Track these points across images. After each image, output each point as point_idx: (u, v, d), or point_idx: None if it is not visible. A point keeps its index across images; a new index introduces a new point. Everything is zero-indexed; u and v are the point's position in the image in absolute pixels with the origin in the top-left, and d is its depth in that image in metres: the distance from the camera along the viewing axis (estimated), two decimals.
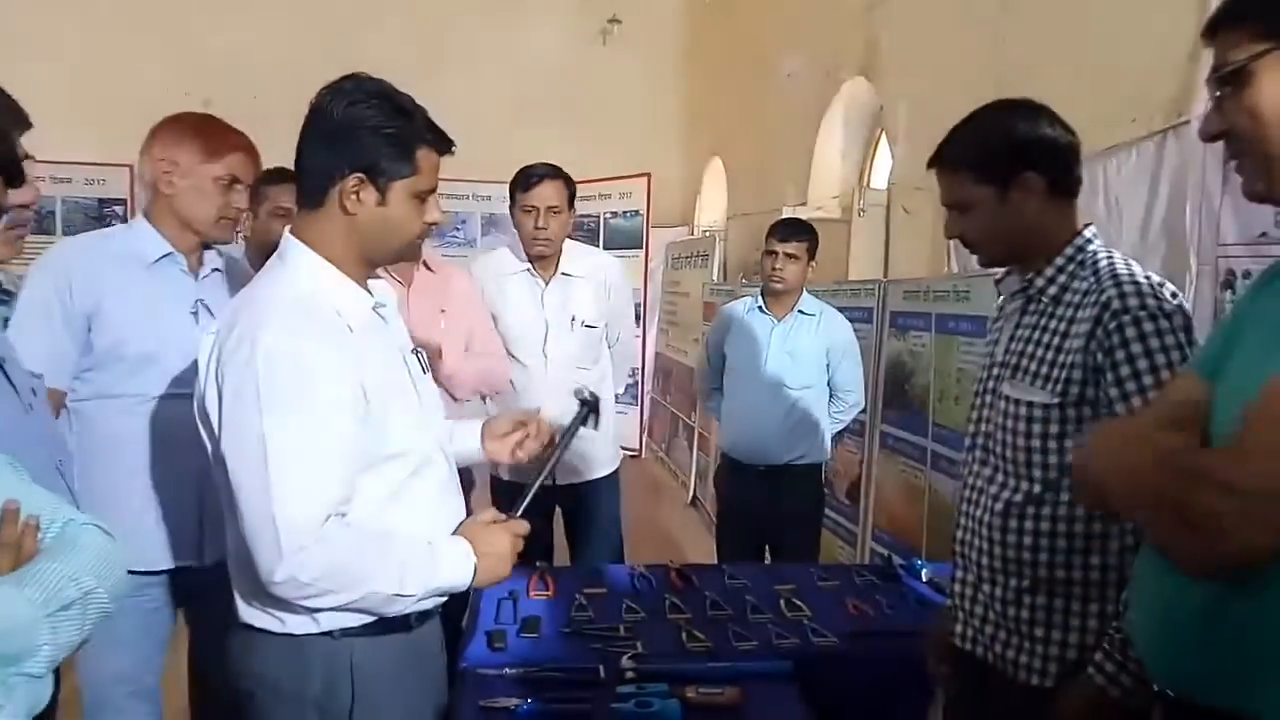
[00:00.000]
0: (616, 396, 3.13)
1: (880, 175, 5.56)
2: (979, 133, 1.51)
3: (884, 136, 5.29)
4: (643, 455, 7.29)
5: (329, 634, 1.40)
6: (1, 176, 0.91)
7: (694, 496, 5.91)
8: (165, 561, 1.90)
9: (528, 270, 2.82)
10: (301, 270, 1.41)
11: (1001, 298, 1.65)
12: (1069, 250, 1.49)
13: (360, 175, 1.38)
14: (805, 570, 2.45)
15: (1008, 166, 1.46)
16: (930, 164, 1.56)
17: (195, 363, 1.38)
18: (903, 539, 3.32)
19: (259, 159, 2.01)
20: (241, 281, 2.08)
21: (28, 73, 6.45)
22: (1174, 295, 1.39)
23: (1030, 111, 1.50)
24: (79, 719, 1.90)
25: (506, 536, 1.49)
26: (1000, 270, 1.62)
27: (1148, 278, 1.40)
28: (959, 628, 1.58)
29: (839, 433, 3.40)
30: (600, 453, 2.90)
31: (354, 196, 1.38)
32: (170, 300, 1.91)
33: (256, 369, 1.30)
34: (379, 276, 1.55)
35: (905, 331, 3.43)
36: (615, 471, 2.97)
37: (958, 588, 1.60)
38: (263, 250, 2.43)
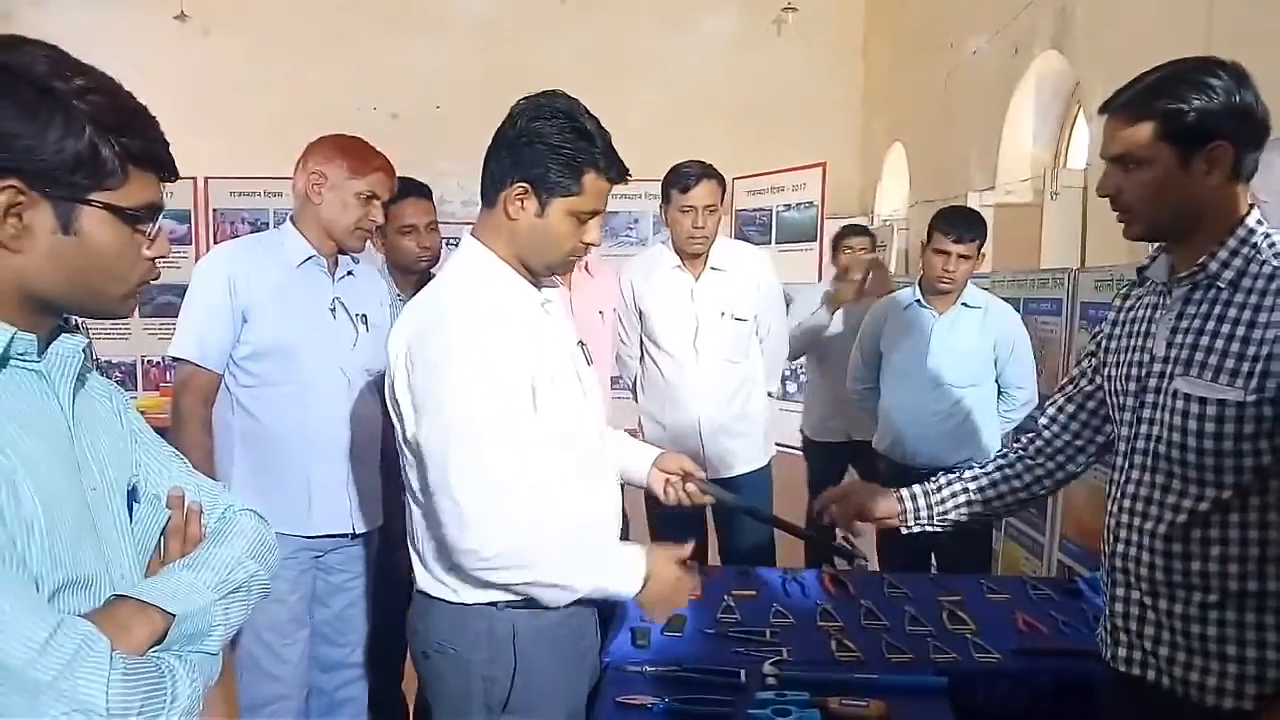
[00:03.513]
0: (785, 393, 3.10)
1: (1077, 155, 5.14)
2: (1177, 84, 1.31)
3: (1080, 113, 4.90)
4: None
5: (495, 605, 1.49)
6: (160, 172, 0.97)
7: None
8: (317, 529, 2.11)
9: (679, 267, 2.84)
10: (476, 266, 1.53)
11: (1135, 289, 1.51)
12: (1241, 231, 1.34)
13: (525, 185, 1.46)
14: (974, 581, 2.30)
15: (1201, 129, 1.29)
16: (1104, 108, 1.38)
17: (336, 352, 1.50)
18: (1094, 550, 3.05)
19: (395, 179, 2.17)
20: (371, 285, 2.25)
21: (241, 98, 7.18)
22: None
23: (1238, 75, 1.32)
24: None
25: (682, 574, 1.56)
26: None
27: None
28: (1122, 651, 1.45)
29: (1015, 433, 3.16)
30: (749, 448, 2.89)
31: (517, 203, 1.48)
32: (314, 299, 2.10)
33: (445, 360, 1.41)
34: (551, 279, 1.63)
35: (1096, 324, 3.14)
36: (766, 466, 2.94)
37: (1119, 607, 1.45)
38: (400, 267, 2.57)
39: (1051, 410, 1.69)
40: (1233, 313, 1.32)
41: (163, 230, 0.99)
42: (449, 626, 1.51)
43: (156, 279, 1.02)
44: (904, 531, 1.80)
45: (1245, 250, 1.33)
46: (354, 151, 2.10)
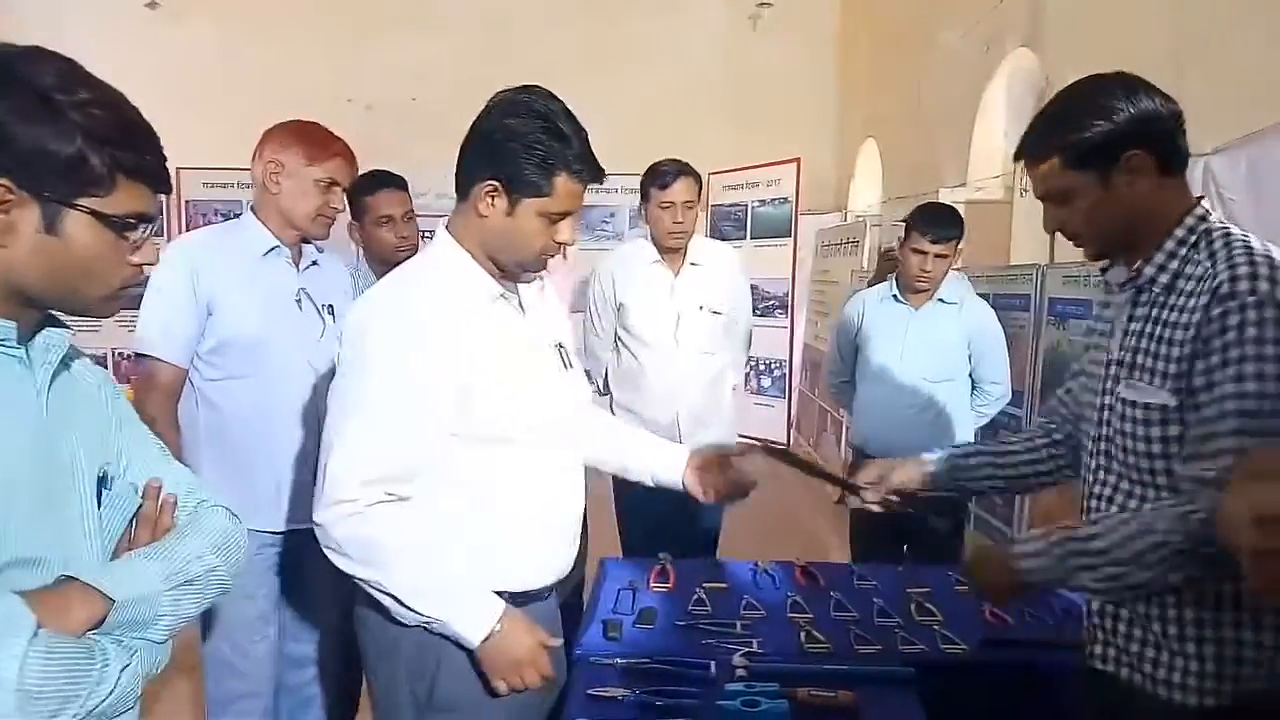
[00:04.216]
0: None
1: None
2: (1072, 114, 1.34)
3: None
4: (790, 450, 7.15)
5: None
6: (152, 184, 1.02)
7: (842, 494, 5.74)
8: (285, 524, 2.07)
9: (658, 261, 2.92)
10: (435, 255, 1.53)
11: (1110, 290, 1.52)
12: (1179, 232, 1.34)
13: (495, 183, 1.45)
14: (942, 573, 2.32)
15: (1110, 148, 1.31)
16: (1018, 156, 1.42)
17: (302, 344, 1.50)
18: None
19: (356, 164, 2.14)
20: (335, 275, 2.22)
21: (213, 88, 7.10)
22: None
23: (1127, 84, 1.34)
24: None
25: (534, 640, 1.49)
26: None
27: (1269, 258, 1.25)
28: (1098, 649, 1.46)
29: (990, 429, 3.21)
30: (719, 436, 2.93)
31: (487, 200, 1.46)
32: (278, 289, 2.07)
33: (357, 339, 1.44)
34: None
35: (1064, 320, 3.19)
36: None
37: (1095, 604, 1.47)
38: (379, 259, 2.55)
39: (1064, 411, 1.69)
40: (1165, 315, 1.33)
41: (150, 239, 1.03)
42: (379, 618, 1.50)
43: (140, 284, 1.07)
44: (921, 495, 1.80)
45: (1182, 251, 1.34)
46: (311, 138, 2.06)
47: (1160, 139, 1.32)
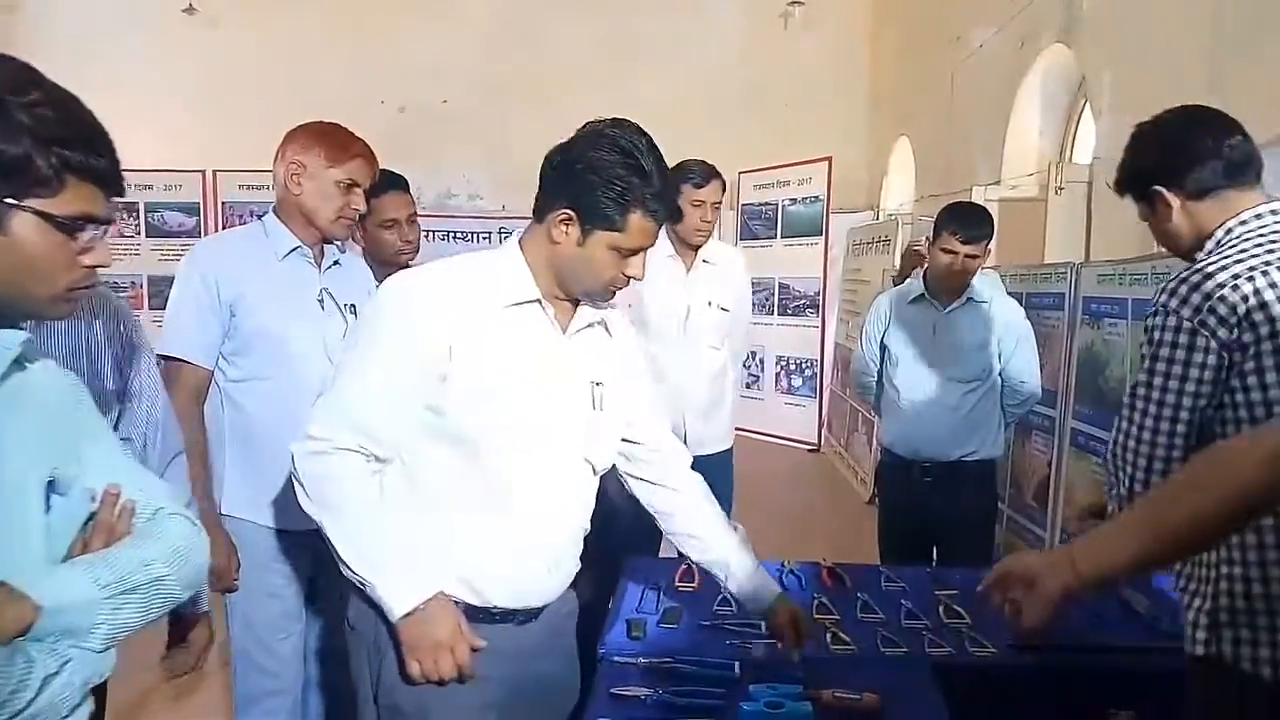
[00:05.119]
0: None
1: (1082, 150, 5.13)
2: (1123, 157, 1.61)
3: (1086, 108, 4.88)
4: (821, 450, 7.11)
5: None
6: (102, 186, 1.00)
7: (873, 494, 5.71)
8: (308, 524, 2.05)
9: (673, 255, 2.97)
10: (489, 253, 1.59)
11: None
12: (1200, 253, 1.50)
13: (570, 212, 1.46)
14: (972, 575, 2.29)
15: (1140, 183, 1.57)
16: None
17: (325, 343, 1.52)
18: None
19: (377, 165, 2.14)
20: (357, 274, 2.23)
21: (249, 90, 7.21)
22: (1193, 289, 1.39)
23: (1155, 130, 1.57)
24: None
25: (458, 627, 1.45)
26: None
27: (1193, 274, 1.41)
28: None
29: (1023, 429, 3.16)
30: (720, 429, 3.04)
31: (561, 228, 1.48)
32: (300, 290, 2.07)
33: (377, 299, 1.54)
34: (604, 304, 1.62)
35: (1099, 319, 3.14)
36: (728, 450, 3.08)
37: None
38: (381, 261, 2.54)
39: None
40: None
41: (102, 240, 1.02)
42: (353, 602, 1.53)
43: (90, 286, 1.05)
44: None
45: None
46: (332, 139, 2.06)
47: (1169, 171, 1.51)
